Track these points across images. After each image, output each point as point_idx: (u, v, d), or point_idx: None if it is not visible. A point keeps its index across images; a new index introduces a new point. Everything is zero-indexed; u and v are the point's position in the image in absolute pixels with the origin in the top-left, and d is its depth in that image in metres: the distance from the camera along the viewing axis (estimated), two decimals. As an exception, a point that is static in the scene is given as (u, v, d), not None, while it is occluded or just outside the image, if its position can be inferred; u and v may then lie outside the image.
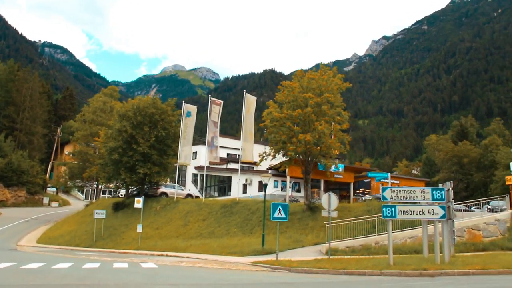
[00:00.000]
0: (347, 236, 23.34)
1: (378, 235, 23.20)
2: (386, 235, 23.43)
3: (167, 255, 24.06)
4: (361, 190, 52.81)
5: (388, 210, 15.64)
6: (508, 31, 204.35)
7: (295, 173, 46.69)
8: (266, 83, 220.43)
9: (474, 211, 33.25)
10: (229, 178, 57.81)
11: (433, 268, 14.47)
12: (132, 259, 21.13)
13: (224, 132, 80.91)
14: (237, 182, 57.31)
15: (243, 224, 29.61)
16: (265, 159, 30.47)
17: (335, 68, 33.25)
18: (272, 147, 29.63)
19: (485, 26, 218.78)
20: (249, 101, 34.48)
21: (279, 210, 18.24)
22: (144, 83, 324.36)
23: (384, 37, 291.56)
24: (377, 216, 23.41)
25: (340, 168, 50.39)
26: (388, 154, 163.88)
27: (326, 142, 26.84)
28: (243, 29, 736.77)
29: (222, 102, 38.26)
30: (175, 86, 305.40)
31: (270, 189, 48.52)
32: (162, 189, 40.99)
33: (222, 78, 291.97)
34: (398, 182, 54.39)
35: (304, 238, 25.26)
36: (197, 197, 45.75)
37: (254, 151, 33.38)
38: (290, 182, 46.81)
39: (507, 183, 29.89)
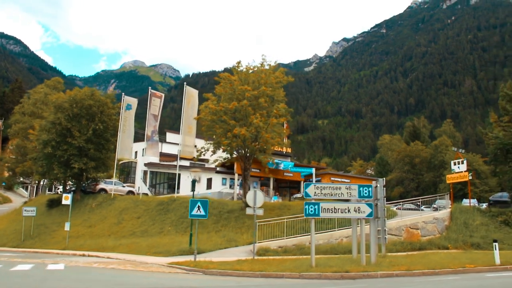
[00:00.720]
0: (283, 235, 22.14)
1: (316, 233, 22.12)
2: (322, 234, 22.57)
3: (88, 255, 22.22)
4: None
5: (311, 207, 14.48)
6: (461, 38, 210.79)
7: (241, 170, 45.41)
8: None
9: (423, 210, 33.04)
10: (179, 175, 56.11)
11: (356, 270, 13.42)
12: (44, 260, 19.27)
13: (204, 134, 78.63)
14: (186, 179, 55.58)
15: (178, 222, 27.99)
16: (204, 154, 28.93)
17: (281, 67, 31.94)
18: (207, 142, 28.15)
19: (440, 32, 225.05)
20: (190, 94, 32.83)
21: (198, 207, 16.76)
22: (102, 78, 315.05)
23: (345, 39, 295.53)
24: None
25: (290, 166, 49.57)
26: (346, 154, 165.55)
27: (264, 137, 25.55)
28: (205, 26, 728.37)
29: (163, 95, 36.43)
30: (135, 82, 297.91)
31: (218, 187, 47.07)
32: (101, 185, 38.70)
33: (183, 75, 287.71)
34: (348, 180, 54.22)
35: (239, 238, 23.93)
36: (145, 194, 43.81)
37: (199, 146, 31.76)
38: (238, 179, 45.43)
39: (447, 182, 29.62)
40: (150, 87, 37.94)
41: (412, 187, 72.47)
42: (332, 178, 51.17)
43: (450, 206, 27.36)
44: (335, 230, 22.58)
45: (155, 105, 34.63)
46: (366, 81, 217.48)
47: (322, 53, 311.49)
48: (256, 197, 17.67)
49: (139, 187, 54.82)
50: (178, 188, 53.21)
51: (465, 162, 27.88)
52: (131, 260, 18.62)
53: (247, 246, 22.28)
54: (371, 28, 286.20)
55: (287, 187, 53.15)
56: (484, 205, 33.66)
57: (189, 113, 31.80)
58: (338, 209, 14.58)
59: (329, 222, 23.15)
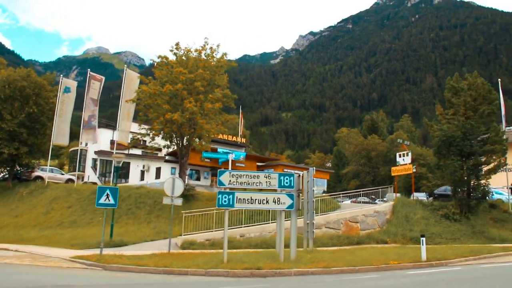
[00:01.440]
0: (214, 227, 20.71)
1: (244, 226, 20.87)
2: (254, 226, 21.27)
3: (-2, 249, 20.08)
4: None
5: (225, 197, 13.02)
6: (424, 36, 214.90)
7: (193, 160, 43.82)
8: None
9: (377, 203, 32.25)
10: (128, 164, 53.96)
11: (269, 267, 12.11)
12: None
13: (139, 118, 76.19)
14: (135, 168, 53.24)
15: (110, 212, 26.07)
16: (141, 141, 27.11)
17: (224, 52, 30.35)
18: (141, 127, 26.34)
19: (404, 30, 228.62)
20: (130, 78, 30.87)
21: (107, 195, 15.04)
22: (64, 64, 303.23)
23: (311, 33, 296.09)
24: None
25: (242, 157, 48.18)
26: (309, 147, 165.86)
27: (198, 123, 23.94)
28: (171, 14, 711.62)
29: (103, 78, 34.17)
30: (98, 69, 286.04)
31: (167, 176, 45.27)
32: (38, 172, 36.17)
33: (147, 63, 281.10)
34: (302, 172, 53.29)
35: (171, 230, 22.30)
36: (94, 183, 41.67)
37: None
38: (187, 169, 43.71)
39: (392, 174, 28.92)
40: (89, 69, 35.51)
41: (368, 180, 72.49)
42: (285, 170, 50.18)
43: (391, 199, 26.67)
44: (268, 223, 21.34)
45: (94, 88, 32.38)
46: (331, 75, 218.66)
47: (288, 46, 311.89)
48: (175, 186, 16.11)
49: (89, 176, 52.42)
50: (128, 177, 51.22)
51: (409, 154, 27.22)
52: (37, 254, 16.79)
53: (176, 239, 20.77)
54: (338, 23, 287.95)
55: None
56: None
57: (128, 97, 29.80)
58: (256, 199, 13.22)
59: (266, 214, 21.91)
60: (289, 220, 19.77)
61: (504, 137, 25.82)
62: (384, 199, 32.51)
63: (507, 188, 62.14)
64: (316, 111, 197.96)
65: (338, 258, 13.95)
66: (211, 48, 27.04)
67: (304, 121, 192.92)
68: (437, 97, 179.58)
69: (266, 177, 13.50)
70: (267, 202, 13.24)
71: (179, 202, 16.53)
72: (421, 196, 33.36)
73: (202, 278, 11.52)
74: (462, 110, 26.04)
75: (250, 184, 13.38)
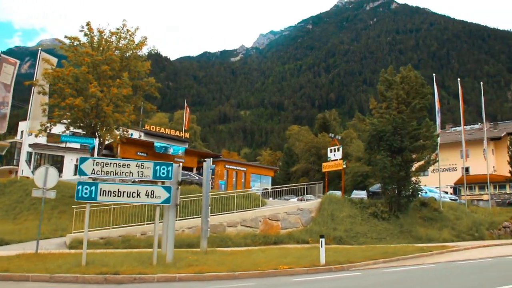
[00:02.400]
0: (110, 224, 18.34)
1: (148, 224, 18.58)
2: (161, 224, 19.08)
3: None
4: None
5: (86, 189, 10.80)
6: (381, 39, 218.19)
7: (128, 153, 41.15)
8: (150, 66, 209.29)
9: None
10: (62, 158, 50.58)
11: (129, 272, 10.03)
12: None
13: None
14: (69, 162, 49.77)
15: (10, 207, 23.26)
16: (50, 129, 24.32)
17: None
18: (44, 115, 23.56)
19: (362, 32, 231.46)
20: (46, 62, 27.78)
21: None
22: (16, 54, 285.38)
23: (272, 32, 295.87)
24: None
25: (180, 152, 45.69)
26: (266, 145, 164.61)
27: (104, 110, 21.43)
28: (127, 9, 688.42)
29: (18, 62, 30.87)
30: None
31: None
32: None
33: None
34: (245, 169, 51.57)
35: (71, 226, 19.78)
36: (27, 177, 38.21)
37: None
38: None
39: (323, 170, 27.41)
40: (0, 51, 32.05)
41: (317, 178, 71.63)
42: (227, 166, 48.19)
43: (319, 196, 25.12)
44: (176, 220, 19.15)
45: (7, 72, 29.05)
46: (290, 74, 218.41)
47: (249, 44, 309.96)
48: (47, 176, 13.69)
49: (22, 170, 48.68)
50: (62, 171, 47.74)
51: (340, 149, 25.74)
52: None
53: (73, 235, 18.27)
54: (298, 23, 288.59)
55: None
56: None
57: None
58: (124, 192, 11.10)
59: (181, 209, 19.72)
60: (191, 218, 17.79)
61: (436, 132, 24.76)
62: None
63: (451, 187, 62.62)
64: (275, 109, 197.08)
65: (227, 261, 12.02)
66: (128, 31, 24.60)
67: (263, 120, 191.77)
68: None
69: (139, 166, 11.40)
70: (138, 195, 11.17)
71: (52, 194, 14.13)
72: (363, 194, 32.15)
73: (43, 285, 9.28)
74: (395, 104, 24.82)
75: (119, 174, 11.25)
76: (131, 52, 25.31)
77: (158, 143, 44.93)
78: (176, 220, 19.00)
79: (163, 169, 11.57)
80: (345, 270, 12.20)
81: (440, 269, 12.56)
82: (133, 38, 24.66)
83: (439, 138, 27.06)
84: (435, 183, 68.59)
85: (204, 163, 15.18)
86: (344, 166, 25.09)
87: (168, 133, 54.06)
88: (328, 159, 26.28)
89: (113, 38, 23.89)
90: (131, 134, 51.67)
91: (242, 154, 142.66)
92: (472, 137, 57.53)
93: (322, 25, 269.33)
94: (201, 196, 21.62)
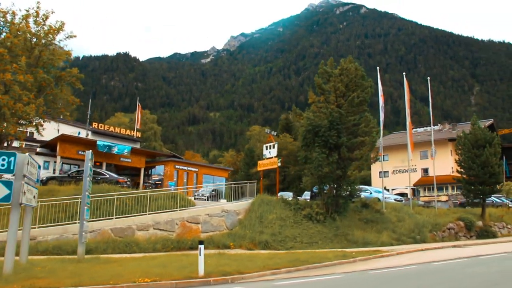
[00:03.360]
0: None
1: (39, 227, 16.02)
2: (53, 227, 16.55)
3: None
4: (155, 176, 45.91)
5: None
6: (350, 43, 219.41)
7: (68, 152, 38.20)
8: (118, 67, 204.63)
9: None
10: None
11: None
12: None
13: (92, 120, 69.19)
14: None
15: None
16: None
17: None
18: None
19: (332, 36, 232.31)
20: None
21: None
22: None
23: (243, 34, 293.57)
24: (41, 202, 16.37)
25: (126, 151, 42.86)
26: (235, 147, 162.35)
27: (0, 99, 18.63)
28: (99, 7, 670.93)
29: None
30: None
31: (40, 170, 39.32)
32: None
33: (73, 57, 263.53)
34: (196, 169, 49.15)
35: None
36: None
37: None
38: (61, 162, 38.52)
39: (258, 169, 25.28)
40: None
41: (279, 180, 69.79)
42: (176, 166, 45.67)
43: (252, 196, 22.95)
44: (74, 223, 16.66)
45: None
46: (260, 76, 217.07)
47: (220, 46, 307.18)
48: None
49: None
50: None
51: (276, 146, 23.66)
52: None
53: None
54: (269, 26, 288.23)
55: (128, 174, 46.63)
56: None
57: None
58: None
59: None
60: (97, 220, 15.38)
61: (377, 128, 22.97)
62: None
63: (410, 188, 61.46)
64: (244, 111, 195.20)
65: (88, 272, 9.65)
66: (37, 12, 21.87)
67: (232, 121, 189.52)
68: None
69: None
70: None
71: None
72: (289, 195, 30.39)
73: None
74: (333, 98, 22.92)
75: None
76: (47, 38, 22.57)
77: (101, 142, 41.96)
78: (75, 223, 16.59)
79: (3, 159, 9.14)
80: (228, 283, 10.01)
81: (342, 280, 10.57)
82: (46, 22, 21.96)
83: (381, 136, 25.37)
84: (397, 184, 67.74)
85: (84, 154, 12.74)
86: (279, 165, 23.04)
87: (119, 132, 51.15)
88: (264, 157, 24.19)
89: (18, 19, 21.16)
90: (78, 133, 48.76)
91: (211, 156, 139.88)
92: (431, 138, 56.53)
93: (293, 28, 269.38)
94: (113, 196, 19.33)
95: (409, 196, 64.73)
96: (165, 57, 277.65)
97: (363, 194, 27.16)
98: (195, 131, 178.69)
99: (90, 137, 44.85)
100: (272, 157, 23.44)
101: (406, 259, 15.50)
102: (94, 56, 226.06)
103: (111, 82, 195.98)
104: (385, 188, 67.64)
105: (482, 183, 26.66)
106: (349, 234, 20.48)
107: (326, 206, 21.77)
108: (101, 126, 48.81)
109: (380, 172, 69.77)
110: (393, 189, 67.48)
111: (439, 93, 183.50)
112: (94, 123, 48.25)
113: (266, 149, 24.05)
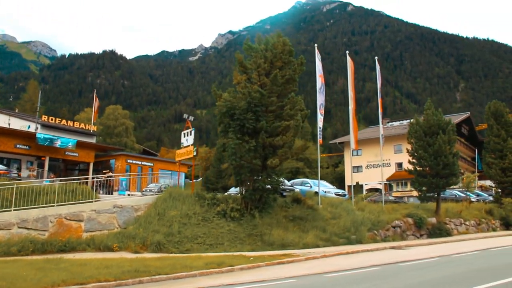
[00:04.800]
0: None
1: None
2: None
3: None
4: (107, 171, 42.25)
5: None
6: (337, 40, 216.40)
7: (5, 146, 34.76)
8: (104, 65, 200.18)
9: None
10: None
11: None
12: None
13: (54, 114, 65.35)
14: None
15: None
16: None
17: None
18: None
19: (319, 33, 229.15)
20: None
21: None
22: None
23: (230, 32, 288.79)
24: None
25: (70, 144, 39.26)
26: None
27: None
28: (86, 4, 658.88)
29: None
30: (2, 58, 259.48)
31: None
32: None
33: (60, 55, 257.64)
34: (151, 164, 45.75)
35: None
36: None
37: None
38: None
39: (176, 159, 21.80)
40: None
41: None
42: (128, 161, 42.21)
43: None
44: None
45: None
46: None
47: (207, 44, 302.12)
48: None
49: None
50: None
51: (193, 133, 20.23)
52: None
53: None
54: (256, 23, 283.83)
55: (76, 169, 43.17)
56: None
57: None
58: None
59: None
60: None
61: (305, 111, 19.61)
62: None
63: (385, 184, 58.22)
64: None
65: None
66: None
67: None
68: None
69: None
70: None
71: None
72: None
73: None
74: (255, 76, 19.52)
75: None
76: None
77: (41, 135, 38.33)
78: None
79: None
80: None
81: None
82: None
83: (320, 123, 22.06)
84: (371, 179, 64.58)
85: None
86: (195, 154, 19.67)
87: (72, 125, 47.47)
88: (181, 145, 20.76)
89: None
90: (28, 127, 44.98)
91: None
92: (405, 131, 53.56)
93: (280, 25, 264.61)
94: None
95: (383, 191, 61.81)
96: (152, 55, 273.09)
97: (301, 188, 23.86)
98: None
99: (40, 130, 41.14)
100: (188, 146, 20.00)
101: (310, 266, 12.20)
102: (81, 54, 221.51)
103: (97, 80, 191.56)
104: (357, 183, 64.50)
105: (436, 175, 23.38)
106: (266, 234, 17.13)
107: (245, 201, 18.41)
108: (51, 119, 45.08)
109: (353, 166, 66.72)
110: (366, 184, 64.45)
111: (425, 89, 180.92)
112: (43, 116, 44.49)
113: (184, 136, 20.62)
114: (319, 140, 22.44)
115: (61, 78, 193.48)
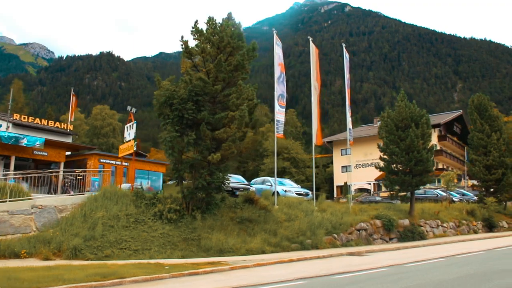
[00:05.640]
0: None
1: None
2: None
3: None
4: (79, 171, 40.05)
5: None
6: (335, 41, 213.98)
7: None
8: (102, 66, 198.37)
9: None
10: None
11: None
12: None
13: (42, 115, 63.67)
14: None
15: None
16: None
17: None
18: None
19: (317, 34, 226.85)
20: None
21: None
22: None
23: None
24: None
25: (38, 143, 37.16)
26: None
27: None
28: (87, 5, 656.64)
29: None
30: (0, 60, 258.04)
31: None
32: None
33: (57, 57, 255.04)
34: (127, 164, 43.61)
35: None
36: None
37: None
38: None
39: (120, 155, 19.69)
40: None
41: (238, 175, 64.65)
42: (101, 160, 40.10)
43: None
44: None
45: None
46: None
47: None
48: None
49: None
50: None
51: (134, 126, 18.14)
52: None
53: None
54: (254, 24, 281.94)
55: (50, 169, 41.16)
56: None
57: None
58: None
59: None
60: None
61: (255, 100, 17.52)
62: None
63: (374, 184, 55.90)
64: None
65: None
66: None
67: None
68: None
69: None
70: None
71: None
72: None
73: None
74: (199, 62, 17.47)
75: None
76: None
77: (4, 133, 36.27)
78: None
79: None
80: None
81: None
82: None
83: (277, 114, 19.97)
84: (360, 178, 62.25)
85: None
86: (135, 148, 17.59)
87: (46, 124, 45.43)
88: (124, 140, 18.68)
89: None
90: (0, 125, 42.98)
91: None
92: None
93: (278, 26, 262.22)
94: None
95: (371, 191, 59.49)
96: (150, 56, 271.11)
97: (262, 187, 21.81)
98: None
99: (11, 129, 39.12)
100: (130, 140, 17.93)
101: (226, 278, 10.11)
102: (78, 56, 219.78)
103: (94, 82, 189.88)
104: (345, 183, 62.21)
105: (409, 173, 21.25)
106: (205, 238, 15.04)
107: (185, 201, 16.33)
108: (24, 118, 43.07)
109: (342, 166, 64.47)
110: (354, 184, 62.19)
111: (423, 90, 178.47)
112: (15, 115, 42.48)
113: (127, 130, 18.54)
114: (276, 134, 20.36)
115: (58, 80, 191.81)
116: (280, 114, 20.45)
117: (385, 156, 21.91)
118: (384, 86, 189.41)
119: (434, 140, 57.91)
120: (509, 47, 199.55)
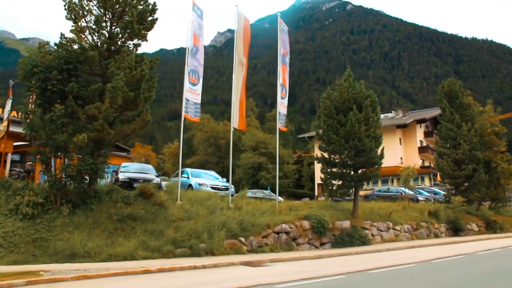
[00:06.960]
0: None
1: None
2: None
3: None
4: (30, 163, 37.02)
5: None
6: (336, 39, 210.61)
7: None
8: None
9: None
10: None
11: None
12: None
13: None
14: None
15: None
16: None
17: None
18: None
19: (318, 32, 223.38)
20: None
21: None
22: None
23: (229, 30, 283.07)
24: None
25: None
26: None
27: None
28: None
29: None
30: (0, 55, 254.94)
31: None
32: None
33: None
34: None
35: None
36: None
37: None
38: None
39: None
40: None
41: (216, 171, 61.37)
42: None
43: None
44: None
45: None
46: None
47: (206, 42, 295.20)
48: None
49: None
50: None
51: (10, 102, 14.94)
52: None
53: None
54: (255, 22, 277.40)
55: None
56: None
57: None
58: None
59: None
60: None
61: (138, 71, 14.23)
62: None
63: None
64: (227, 107, 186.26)
65: None
66: None
67: (214, 117, 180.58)
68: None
69: None
70: None
71: None
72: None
73: None
74: (84, 28, 14.19)
75: None
76: None
77: None
78: None
79: None
80: None
81: None
82: None
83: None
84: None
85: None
86: (5, 129, 14.36)
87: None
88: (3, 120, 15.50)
89: None
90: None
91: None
92: (386, 123, 47.84)
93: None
94: None
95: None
96: (151, 52, 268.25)
97: (176, 179, 18.57)
98: (175, 126, 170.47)
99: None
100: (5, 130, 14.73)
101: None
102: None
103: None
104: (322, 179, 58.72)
105: (350, 165, 17.88)
106: (61, 239, 11.84)
107: (53, 193, 13.11)
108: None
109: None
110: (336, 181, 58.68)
111: (422, 89, 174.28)
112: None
113: (6, 107, 15.35)
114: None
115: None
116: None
117: (323, 145, 18.46)
118: (383, 85, 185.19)
119: (420, 136, 54.34)
120: (511, 47, 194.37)
